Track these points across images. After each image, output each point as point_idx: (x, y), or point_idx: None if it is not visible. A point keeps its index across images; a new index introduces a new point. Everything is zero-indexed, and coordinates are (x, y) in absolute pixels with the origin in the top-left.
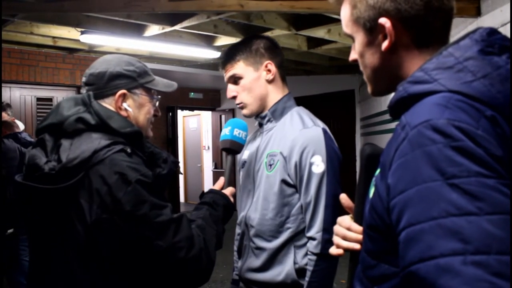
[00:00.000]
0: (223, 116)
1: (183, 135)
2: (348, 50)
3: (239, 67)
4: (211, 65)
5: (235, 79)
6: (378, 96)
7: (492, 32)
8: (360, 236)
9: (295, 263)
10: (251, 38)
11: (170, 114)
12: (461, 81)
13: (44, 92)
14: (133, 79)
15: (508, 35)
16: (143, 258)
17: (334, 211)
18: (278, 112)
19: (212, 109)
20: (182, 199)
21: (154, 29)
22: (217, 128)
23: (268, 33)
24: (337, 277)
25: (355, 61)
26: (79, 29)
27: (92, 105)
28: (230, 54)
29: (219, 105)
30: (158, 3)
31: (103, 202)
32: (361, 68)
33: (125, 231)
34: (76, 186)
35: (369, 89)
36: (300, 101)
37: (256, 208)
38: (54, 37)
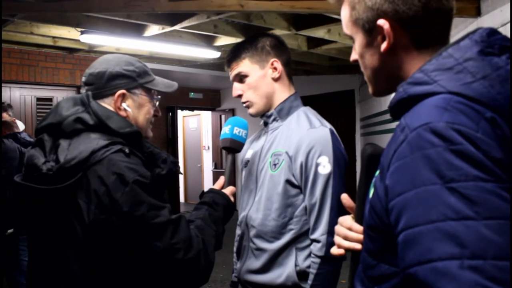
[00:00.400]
0: (223, 116)
1: (183, 135)
2: (348, 50)
3: (245, 65)
4: (211, 65)
5: (241, 77)
6: (379, 96)
7: (492, 33)
8: (361, 236)
9: (296, 265)
10: (257, 36)
11: (170, 114)
12: (460, 82)
13: (44, 92)
14: (132, 79)
15: (508, 35)
16: (141, 259)
17: (340, 213)
18: (284, 111)
19: (212, 109)
20: (182, 199)
21: (154, 29)
22: (217, 128)
23: None
24: None
25: (356, 61)
26: (79, 29)
27: (90, 105)
28: (235, 52)
29: (219, 105)
30: (158, 3)
31: (101, 202)
32: (362, 68)
33: (123, 232)
34: (74, 187)
35: (370, 89)
36: None
37: (258, 208)
38: (54, 37)
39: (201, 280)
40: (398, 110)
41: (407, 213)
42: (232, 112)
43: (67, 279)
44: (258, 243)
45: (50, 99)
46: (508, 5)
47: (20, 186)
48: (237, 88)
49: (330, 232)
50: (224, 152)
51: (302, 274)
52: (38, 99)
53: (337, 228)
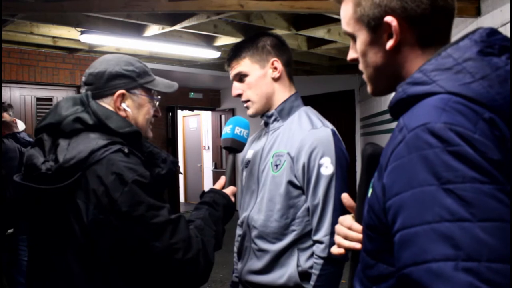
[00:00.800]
0: (223, 116)
1: (183, 135)
2: (348, 50)
3: (245, 64)
4: (211, 65)
5: (241, 77)
6: (378, 96)
7: (492, 33)
8: (361, 236)
9: (298, 266)
10: (258, 35)
11: (170, 114)
12: (459, 82)
13: (44, 92)
14: (132, 79)
15: (508, 35)
16: (140, 259)
17: (342, 214)
18: (285, 112)
19: (212, 109)
20: (182, 199)
21: (154, 29)
22: (217, 128)
23: None
24: None
25: (354, 60)
26: (79, 29)
27: (90, 105)
28: (236, 51)
29: (219, 105)
30: (158, 3)
31: (99, 202)
32: (362, 67)
33: (122, 232)
34: (73, 186)
35: (369, 88)
36: None
37: (260, 209)
38: (54, 37)
39: (200, 280)
40: (398, 110)
41: (403, 213)
42: (232, 112)
43: (67, 279)
44: (260, 244)
45: (50, 99)
46: (508, 5)
47: (20, 186)
48: (236, 87)
49: (333, 233)
50: (224, 152)
51: (304, 275)
52: (38, 99)
53: (337, 227)
